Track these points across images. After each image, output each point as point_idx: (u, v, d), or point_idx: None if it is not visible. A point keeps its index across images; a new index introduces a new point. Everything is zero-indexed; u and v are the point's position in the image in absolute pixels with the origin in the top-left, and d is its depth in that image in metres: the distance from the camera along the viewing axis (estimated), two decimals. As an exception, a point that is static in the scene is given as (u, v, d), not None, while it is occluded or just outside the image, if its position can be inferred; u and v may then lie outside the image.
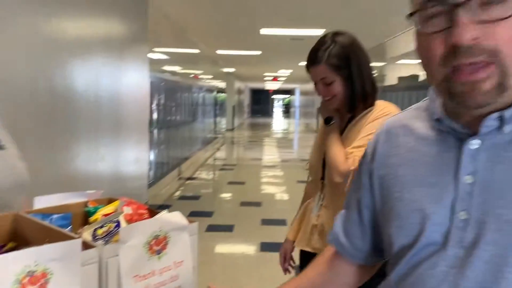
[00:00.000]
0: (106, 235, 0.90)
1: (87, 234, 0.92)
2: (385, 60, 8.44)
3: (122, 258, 0.81)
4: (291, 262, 1.74)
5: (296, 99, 30.72)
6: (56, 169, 2.43)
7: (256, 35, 7.10)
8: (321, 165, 1.54)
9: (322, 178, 1.54)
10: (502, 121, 0.61)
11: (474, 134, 0.64)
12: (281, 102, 43.38)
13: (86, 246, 0.81)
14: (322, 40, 1.47)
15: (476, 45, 0.56)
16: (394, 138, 0.77)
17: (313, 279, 0.92)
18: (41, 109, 2.30)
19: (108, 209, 1.03)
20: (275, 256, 3.78)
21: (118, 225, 0.91)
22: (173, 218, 0.91)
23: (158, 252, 0.87)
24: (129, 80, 3.92)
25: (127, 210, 0.97)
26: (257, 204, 5.25)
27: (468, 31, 0.55)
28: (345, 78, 1.44)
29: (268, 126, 22.89)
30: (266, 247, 3.90)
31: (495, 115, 0.60)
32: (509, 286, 0.58)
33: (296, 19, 5.80)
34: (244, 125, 21.58)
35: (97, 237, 0.90)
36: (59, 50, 2.53)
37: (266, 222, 4.54)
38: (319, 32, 6.75)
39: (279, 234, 4.28)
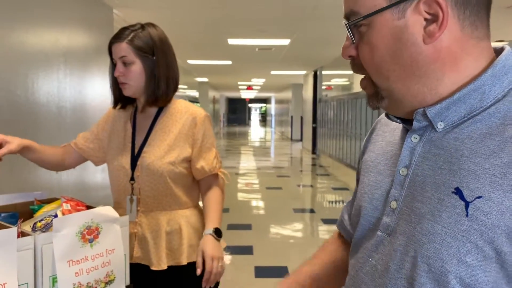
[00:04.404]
0: (43, 227, 1.02)
1: (27, 227, 1.04)
2: (353, 69, 8.71)
3: (55, 245, 0.94)
4: None
5: (272, 107, 31.01)
6: (17, 179, 2.51)
7: (224, 46, 7.26)
8: (129, 166, 1.44)
9: (132, 179, 1.44)
10: (428, 117, 0.63)
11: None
12: (258, 111, 43.66)
13: (23, 235, 0.94)
14: (133, 24, 1.44)
15: (352, 61, 0.69)
16: (382, 127, 0.81)
17: (327, 264, 0.91)
18: (1, 121, 2.38)
19: (51, 206, 1.16)
20: (239, 258, 3.90)
21: (55, 218, 1.04)
22: (105, 211, 1.05)
23: (91, 241, 1.00)
24: (94, 91, 4.00)
25: (66, 206, 1.10)
26: (225, 210, 5.38)
27: (344, 50, 0.68)
28: (147, 65, 1.40)
29: (244, 134, 23.05)
30: (229, 249, 4.03)
31: (420, 110, 0.64)
32: (406, 273, 0.61)
33: (261, 30, 5.99)
34: (220, 134, 21.70)
35: (36, 229, 1.03)
36: (20, 62, 2.62)
37: (232, 227, 4.68)
38: (285, 42, 6.97)
39: (244, 238, 4.42)
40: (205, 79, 15.56)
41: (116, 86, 1.46)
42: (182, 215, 1.46)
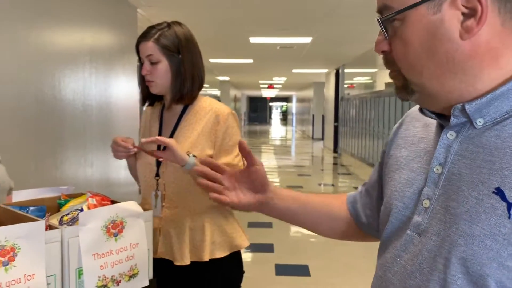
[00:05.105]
0: (70, 221, 1.05)
1: (54, 220, 1.07)
2: (376, 67, 8.62)
3: (81, 238, 0.96)
4: None
5: (293, 106, 30.92)
6: (43, 174, 2.58)
7: (246, 44, 7.27)
8: (155, 162, 1.47)
9: (157, 175, 1.47)
10: (467, 113, 0.61)
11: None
12: (279, 110, 43.59)
13: (51, 228, 0.96)
14: (160, 23, 1.46)
15: (384, 56, 0.68)
16: (412, 121, 0.79)
17: (317, 205, 0.92)
18: (27, 118, 2.45)
19: (77, 201, 1.18)
20: (259, 255, 3.90)
21: (81, 212, 1.06)
22: (129, 206, 1.06)
23: (115, 235, 1.02)
24: (118, 89, 4.08)
25: (92, 201, 1.12)
26: (246, 208, 5.40)
27: (377, 44, 0.67)
28: (173, 64, 1.43)
29: (265, 133, 23.05)
30: (250, 247, 4.04)
31: (459, 106, 0.61)
32: (440, 275, 0.59)
33: (283, 28, 5.98)
34: (241, 133, 21.73)
35: (63, 223, 1.05)
36: (46, 60, 2.69)
37: (253, 224, 4.69)
38: (307, 40, 6.93)
39: (265, 236, 4.42)
40: (226, 78, 15.63)
41: (144, 84, 1.49)
42: (206, 211, 1.47)
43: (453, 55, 0.59)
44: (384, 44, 0.66)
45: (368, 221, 0.88)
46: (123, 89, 4.22)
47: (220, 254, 1.45)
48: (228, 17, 5.38)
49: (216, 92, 15.15)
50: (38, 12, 2.57)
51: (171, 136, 1.48)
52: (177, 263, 1.42)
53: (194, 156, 1.37)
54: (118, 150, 1.45)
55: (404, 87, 0.66)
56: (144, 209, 1.10)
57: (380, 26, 0.65)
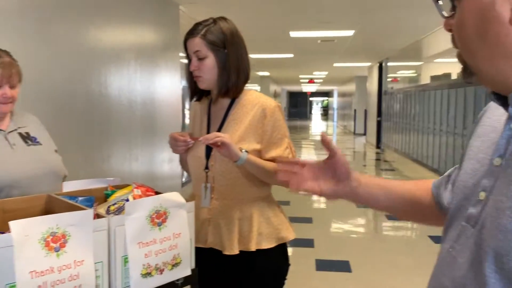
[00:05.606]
0: (116, 210, 1.09)
1: (102, 210, 1.11)
2: (421, 60, 8.34)
3: (127, 227, 0.99)
4: None
5: (334, 101, 30.50)
6: (91, 167, 2.69)
7: (286, 38, 7.24)
8: (204, 155, 1.51)
9: (206, 168, 1.51)
10: None
11: None
12: (320, 105, 43.12)
13: (98, 217, 1.00)
14: (206, 19, 1.49)
15: (452, 35, 0.66)
16: (492, 111, 0.76)
17: (402, 192, 0.93)
18: (78, 113, 2.56)
19: (123, 191, 1.22)
20: (299, 250, 3.89)
21: (127, 202, 1.10)
22: (173, 197, 1.09)
23: (159, 224, 1.05)
24: (162, 85, 4.18)
25: (137, 191, 1.16)
26: (286, 203, 5.39)
27: (445, 22, 0.67)
28: (219, 58, 1.46)
29: (305, 128, 22.90)
30: (289, 241, 4.03)
31: None
32: (481, 268, 0.58)
33: (325, 21, 5.90)
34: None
35: (110, 212, 1.10)
36: (94, 58, 2.80)
37: (292, 219, 4.68)
38: (349, 33, 6.80)
39: (304, 231, 4.40)
40: (266, 73, 15.63)
41: (192, 79, 1.52)
42: (254, 203, 1.50)
43: (504, 39, 0.57)
44: (449, 22, 0.66)
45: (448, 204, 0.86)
46: (166, 85, 4.32)
47: (267, 245, 1.48)
48: (269, 12, 5.37)
49: (257, 87, 15.19)
50: (85, 13, 2.68)
51: (219, 130, 1.52)
52: (226, 252, 1.46)
53: (246, 151, 1.41)
54: (178, 145, 1.50)
55: (465, 68, 0.65)
56: (194, 201, 1.13)
57: (436, 4, 0.65)
